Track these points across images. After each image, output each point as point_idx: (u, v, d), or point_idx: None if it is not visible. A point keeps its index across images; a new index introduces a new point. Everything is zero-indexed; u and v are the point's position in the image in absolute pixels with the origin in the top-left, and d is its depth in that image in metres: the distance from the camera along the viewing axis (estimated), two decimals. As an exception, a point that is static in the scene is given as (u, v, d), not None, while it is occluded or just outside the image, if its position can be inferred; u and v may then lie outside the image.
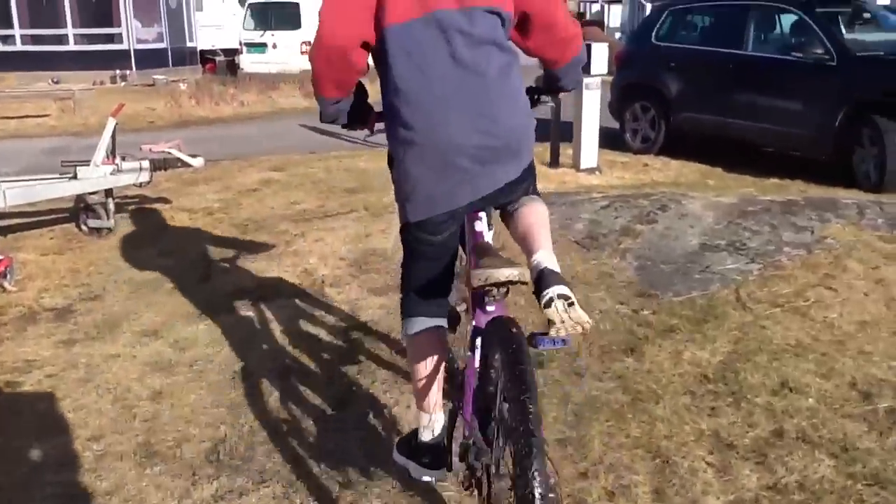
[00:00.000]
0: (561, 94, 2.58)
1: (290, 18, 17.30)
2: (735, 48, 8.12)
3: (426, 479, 2.32)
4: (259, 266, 4.73)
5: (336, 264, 4.74)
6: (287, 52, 17.24)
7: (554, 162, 8.09)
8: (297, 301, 4.18)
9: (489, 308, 2.09)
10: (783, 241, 4.55)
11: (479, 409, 2.07)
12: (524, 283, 1.95)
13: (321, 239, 5.20)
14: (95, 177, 5.15)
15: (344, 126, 2.38)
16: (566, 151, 8.20)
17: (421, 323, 2.26)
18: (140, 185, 5.44)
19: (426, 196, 2.13)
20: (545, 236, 2.16)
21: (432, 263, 2.25)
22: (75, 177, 5.13)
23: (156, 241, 5.34)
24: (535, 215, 2.22)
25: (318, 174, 7.61)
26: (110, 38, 17.99)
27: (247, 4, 18.31)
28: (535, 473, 1.56)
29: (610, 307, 3.89)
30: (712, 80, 8.36)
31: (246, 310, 4.08)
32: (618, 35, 29.23)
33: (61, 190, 5.13)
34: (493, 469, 1.89)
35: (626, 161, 8.53)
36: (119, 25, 17.83)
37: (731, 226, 4.80)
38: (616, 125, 9.45)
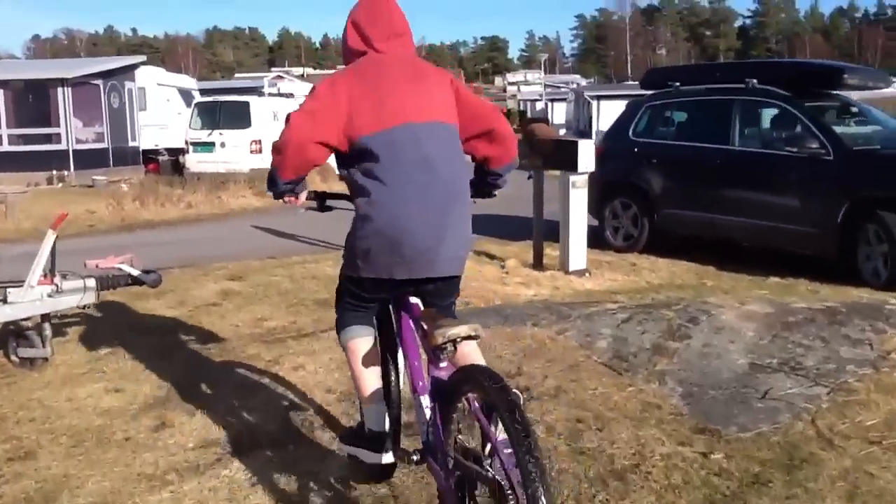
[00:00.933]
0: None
1: (239, 117, 16.81)
2: (720, 143, 7.82)
3: (375, 461, 2.68)
4: (229, 405, 3.92)
5: (324, 398, 3.96)
6: (236, 151, 16.66)
7: (538, 263, 7.52)
8: (281, 453, 3.37)
9: (442, 364, 2.39)
10: (842, 357, 3.98)
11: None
12: (478, 337, 2.31)
13: (301, 366, 4.42)
14: (29, 300, 4.32)
15: (279, 196, 2.71)
16: (549, 252, 7.67)
17: (355, 332, 2.68)
18: (84, 308, 4.62)
19: (368, 261, 2.48)
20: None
21: (363, 301, 2.69)
22: (5, 301, 4.29)
23: (102, 374, 4.48)
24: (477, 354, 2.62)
25: (282, 283, 6.86)
26: (48, 138, 17.17)
27: (194, 103, 17.80)
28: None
29: (672, 451, 3.19)
30: (698, 176, 8.02)
31: (219, 468, 3.25)
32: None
33: (-14, 316, 4.29)
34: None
35: (611, 260, 8.02)
36: (58, 125, 17.05)
37: (778, 340, 4.22)
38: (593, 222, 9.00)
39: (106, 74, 18.50)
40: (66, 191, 15.84)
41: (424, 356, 2.60)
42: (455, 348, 2.32)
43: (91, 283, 4.55)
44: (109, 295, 5.98)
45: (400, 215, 2.39)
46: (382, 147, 2.40)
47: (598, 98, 26.92)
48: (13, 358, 4.61)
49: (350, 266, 2.57)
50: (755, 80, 7.64)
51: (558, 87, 77.47)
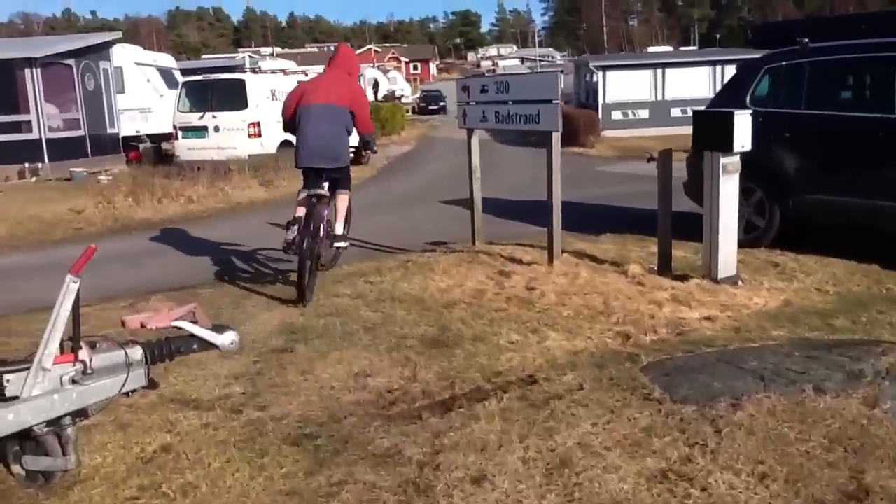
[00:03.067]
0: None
1: (234, 97, 14.87)
2: (882, 111, 6.25)
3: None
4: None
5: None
6: (232, 135, 14.76)
7: (665, 268, 5.95)
8: None
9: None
10: None
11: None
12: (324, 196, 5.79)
13: (481, 479, 2.80)
14: (43, 394, 2.66)
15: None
16: (678, 254, 6.11)
17: (303, 192, 5.81)
18: (129, 395, 2.94)
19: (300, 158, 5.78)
20: (342, 213, 6.12)
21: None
22: (0, 397, 2.63)
23: (148, 491, 2.83)
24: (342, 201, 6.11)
25: (357, 309, 5.21)
26: (16, 127, 15.15)
27: (181, 83, 15.85)
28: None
29: None
30: (851, 153, 6.46)
31: None
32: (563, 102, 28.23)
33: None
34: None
35: (744, 260, 6.45)
36: (28, 112, 15.03)
37: None
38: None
39: (78, 53, 16.43)
40: (41, 185, 13.92)
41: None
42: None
43: (137, 353, 2.89)
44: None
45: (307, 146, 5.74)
46: (303, 115, 5.76)
47: (605, 69, 25.23)
48: (16, 470, 2.95)
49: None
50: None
51: (536, 61, 75.82)
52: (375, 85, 35.32)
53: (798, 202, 6.81)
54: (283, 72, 17.66)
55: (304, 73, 18.17)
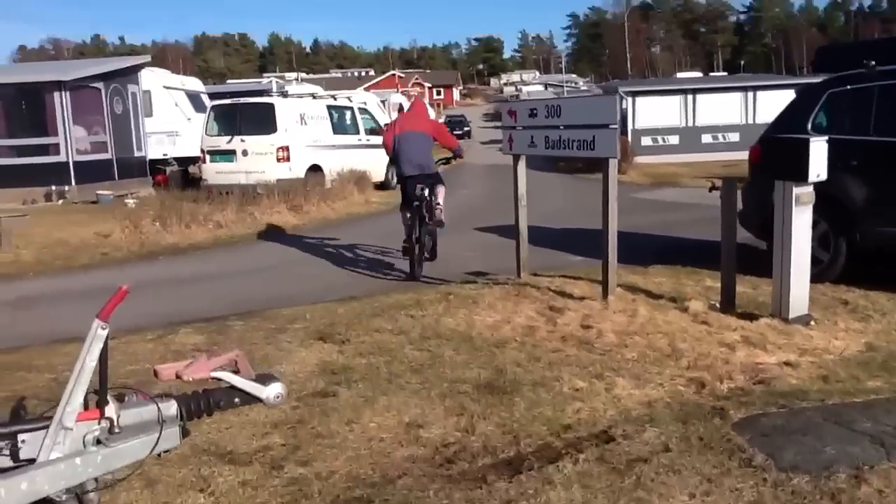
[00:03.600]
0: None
1: (262, 121, 14.68)
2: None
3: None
4: None
5: None
6: (260, 159, 14.54)
7: (729, 305, 5.53)
8: None
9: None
10: None
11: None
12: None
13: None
14: (64, 458, 2.29)
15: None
16: (742, 290, 5.69)
17: (405, 206, 8.00)
18: (160, 456, 2.57)
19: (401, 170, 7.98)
20: (441, 198, 7.99)
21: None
22: (14, 458, 2.27)
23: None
24: (441, 191, 8.03)
25: (402, 348, 4.84)
26: (45, 150, 15.04)
27: (210, 106, 15.69)
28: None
29: None
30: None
31: None
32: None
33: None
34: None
35: (809, 295, 6.00)
36: (56, 134, 14.93)
37: None
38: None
39: (107, 76, 16.37)
40: (68, 208, 13.74)
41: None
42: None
43: (171, 409, 2.51)
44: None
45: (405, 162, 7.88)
46: (399, 141, 7.89)
47: (634, 94, 24.85)
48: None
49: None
50: None
51: (560, 86, 75.92)
52: (400, 109, 35.21)
53: (866, 234, 6.37)
54: (312, 95, 17.38)
55: (334, 97, 17.94)
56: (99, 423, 2.41)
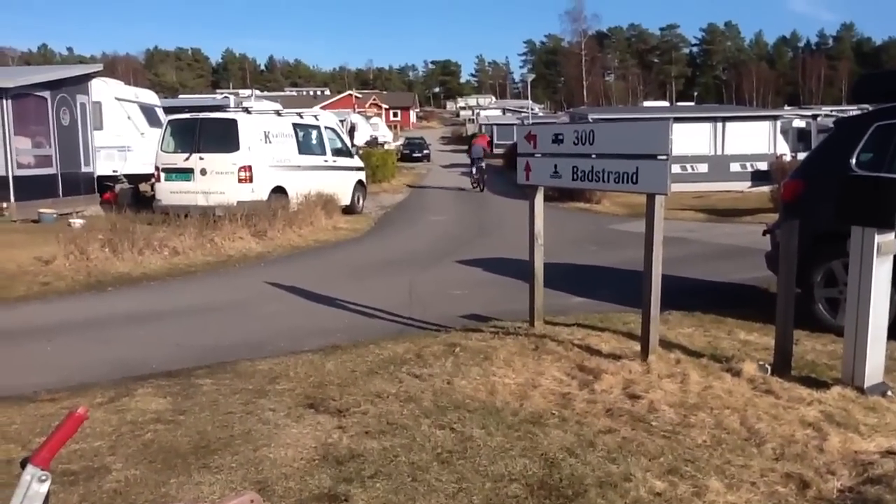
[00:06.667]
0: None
1: (224, 138, 13.62)
2: None
3: None
4: None
5: None
6: (220, 179, 13.49)
7: (784, 368, 4.77)
8: None
9: None
10: None
11: None
12: None
13: None
14: None
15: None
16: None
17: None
18: None
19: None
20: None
21: None
22: None
23: None
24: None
25: (419, 424, 3.94)
26: (-19, 163, 13.75)
27: (167, 121, 14.58)
28: None
29: None
30: None
31: None
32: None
33: None
34: None
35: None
36: (-6, 146, 13.66)
37: None
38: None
39: (54, 85, 15.15)
40: (6, 227, 12.48)
41: None
42: None
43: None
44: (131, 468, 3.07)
45: None
46: None
47: (605, 122, 24.40)
48: None
49: None
50: None
51: (519, 111, 75.83)
52: (352, 129, 34.27)
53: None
54: (277, 112, 16.39)
55: (300, 115, 17.01)
56: None
